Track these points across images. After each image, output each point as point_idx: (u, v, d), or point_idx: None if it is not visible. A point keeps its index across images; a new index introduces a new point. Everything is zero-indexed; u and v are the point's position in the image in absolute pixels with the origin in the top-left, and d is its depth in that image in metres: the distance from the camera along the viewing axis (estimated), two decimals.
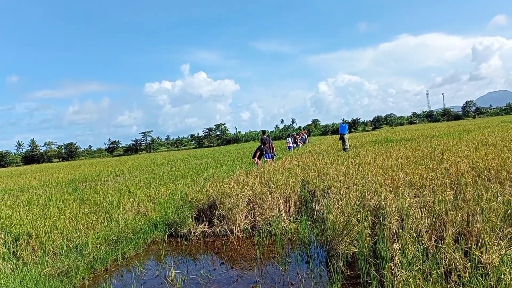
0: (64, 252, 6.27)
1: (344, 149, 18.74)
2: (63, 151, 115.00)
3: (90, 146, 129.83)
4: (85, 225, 7.60)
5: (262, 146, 14.75)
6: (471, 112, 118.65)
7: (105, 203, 9.52)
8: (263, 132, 16.31)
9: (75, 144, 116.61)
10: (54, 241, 6.69)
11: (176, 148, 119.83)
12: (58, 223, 7.67)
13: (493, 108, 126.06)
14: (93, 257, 6.13)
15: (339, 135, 20.15)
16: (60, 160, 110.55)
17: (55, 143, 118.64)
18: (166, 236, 7.50)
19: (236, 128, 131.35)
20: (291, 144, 24.82)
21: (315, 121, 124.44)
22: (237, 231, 7.28)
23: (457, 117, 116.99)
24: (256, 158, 14.43)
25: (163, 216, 8.04)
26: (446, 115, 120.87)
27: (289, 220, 7.68)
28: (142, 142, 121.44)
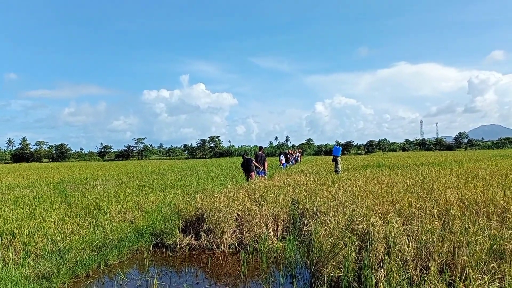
0: (47, 254, 6.17)
1: (336, 171, 18.86)
2: (54, 151, 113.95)
3: (81, 149, 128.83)
4: (70, 229, 7.51)
5: (246, 161, 14.79)
6: (463, 144, 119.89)
7: (92, 208, 9.43)
8: (260, 148, 16.40)
9: (66, 145, 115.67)
10: (37, 243, 6.60)
11: (168, 157, 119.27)
12: (43, 224, 7.57)
13: (485, 141, 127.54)
14: (76, 262, 6.04)
15: (332, 157, 20.35)
16: (50, 160, 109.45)
17: (47, 143, 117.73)
18: (151, 246, 7.42)
19: (230, 142, 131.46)
20: (284, 162, 24.85)
21: (309, 141, 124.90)
22: (224, 246, 7.23)
23: (449, 147, 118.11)
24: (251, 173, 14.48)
25: (150, 225, 7.97)
26: (439, 144, 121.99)
27: (277, 238, 7.65)
28: (134, 149, 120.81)
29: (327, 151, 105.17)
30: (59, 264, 5.83)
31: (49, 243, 6.61)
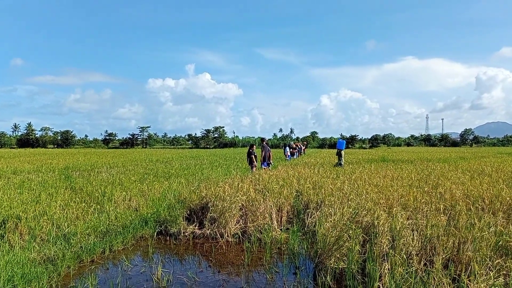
0: (52, 239, 6.22)
1: (339, 164, 18.85)
2: (59, 138, 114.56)
3: (86, 136, 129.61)
4: (75, 214, 7.55)
5: (251, 150, 15.00)
6: (468, 140, 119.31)
7: (97, 194, 9.47)
8: (262, 140, 16.39)
9: (71, 132, 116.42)
10: (43, 227, 6.64)
11: (172, 146, 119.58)
12: (48, 209, 7.61)
13: (491, 138, 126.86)
14: (81, 247, 6.08)
15: (336, 150, 20.39)
16: (55, 146, 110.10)
17: (52, 129, 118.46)
18: (155, 233, 7.45)
19: (234, 132, 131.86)
20: (289, 154, 24.82)
21: (313, 134, 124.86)
22: (227, 236, 7.24)
23: (454, 144, 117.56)
24: (253, 164, 14.52)
25: (154, 213, 8.00)
26: (444, 140, 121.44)
27: (280, 229, 7.66)
28: (139, 137, 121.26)
29: (331, 144, 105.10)
30: (64, 248, 5.87)
31: (54, 227, 6.65)
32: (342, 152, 19.45)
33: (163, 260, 6.17)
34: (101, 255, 6.21)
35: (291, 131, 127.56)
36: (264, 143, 16.00)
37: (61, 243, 6.05)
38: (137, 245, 6.93)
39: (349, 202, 7.16)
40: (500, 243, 4.81)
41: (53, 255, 5.64)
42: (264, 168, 14.54)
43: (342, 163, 18.93)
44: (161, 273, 5.34)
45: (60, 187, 10.72)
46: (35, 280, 4.74)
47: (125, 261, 5.91)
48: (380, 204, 7.05)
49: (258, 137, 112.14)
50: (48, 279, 4.97)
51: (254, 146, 15.62)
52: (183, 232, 7.47)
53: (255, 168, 14.44)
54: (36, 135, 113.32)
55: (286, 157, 24.72)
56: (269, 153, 16.67)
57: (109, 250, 6.36)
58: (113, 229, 7.06)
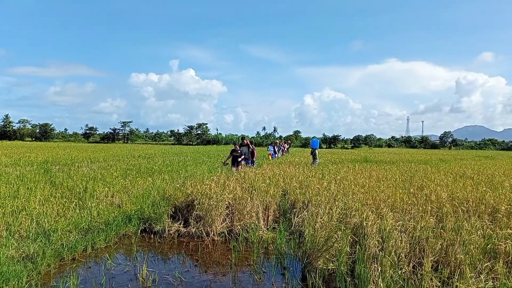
0: (32, 235, 5.97)
1: (313, 163, 18.75)
2: (38, 130, 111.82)
3: (65, 129, 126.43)
4: (56, 210, 7.30)
5: (238, 151, 14.43)
6: (447, 143, 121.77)
7: (78, 190, 9.20)
8: (243, 138, 15.91)
9: (50, 125, 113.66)
10: (21, 223, 6.39)
11: (155, 142, 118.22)
12: (27, 204, 7.35)
13: (469, 142, 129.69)
14: (61, 244, 5.86)
15: (310, 149, 20.41)
16: (33, 139, 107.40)
17: (30, 122, 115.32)
18: (139, 231, 7.26)
19: (217, 130, 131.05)
20: (273, 153, 24.72)
21: (296, 133, 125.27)
22: (213, 234, 7.12)
23: (433, 146, 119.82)
24: (234, 166, 14.13)
25: (138, 210, 7.81)
26: (424, 142, 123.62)
27: (267, 229, 7.58)
28: (120, 132, 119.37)
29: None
30: (44, 246, 5.64)
31: (34, 224, 6.40)
32: (316, 151, 19.44)
33: (148, 259, 6.00)
34: (83, 253, 6.00)
35: (275, 130, 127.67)
36: (246, 142, 15.51)
37: (41, 240, 5.82)
38: (120, 243, 6.73)
39: (337, 203, 7.13)
40: (489, 246, 4.84)
41: (33, 253, 5.42)
42: (248, 167, 14.37)
43: (316, 163, 18.85)
44: (146, 273, 5.18)
45: (39, 182, 10.38)
46: (13, 279, 4.53)
47: (108, 260, 5.72)
48: (368, 204, 7.04)
49: (242, 134, 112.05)
50: (27, 278, 4.76)
51: (238, 146, 14.92)
52: (168, 230, 7.31)
53: (235, 168, 13.90)
54: (14, 127, 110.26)
55: (270, 156, 24.61)
56: (254, 152, 16.57)
57: (91, 248, 6.15)
58: (95, 226, 6.84)
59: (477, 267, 4.48)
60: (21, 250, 5.44)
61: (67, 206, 7.60)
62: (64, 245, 5.85)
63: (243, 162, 14.76)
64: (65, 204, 7.72)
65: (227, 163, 14.59)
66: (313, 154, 19.43)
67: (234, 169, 13.62)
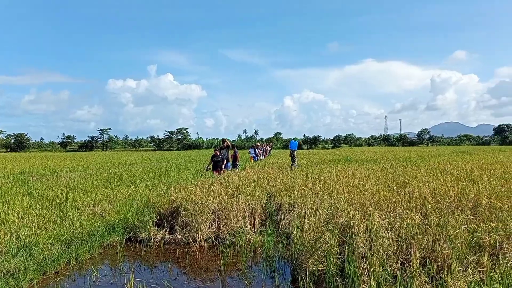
0: (12, 250, 5.76)
1: (293, 165, 18.46)
2: (12, 141, 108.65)
3: (42, 139, 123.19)
4: (36, 223, 7.07)
5: (219, 157, 14.07)
6: (425, 140, 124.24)
7: (58, 200, 8.95)
8: (223, 140, 15.45)
9: (26, 134, 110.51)
10: (0, 237, 6.16)
11: (134, 149, 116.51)
12: (5, 218, 7.10)
13: (445, 138, 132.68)
14: (44, 258, 5.67)
15: (289, 151, 20.10)
16: (8, 150, 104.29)
17: (4, 132, 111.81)
18: (124, 240, 7.11)
19: (198, 134, 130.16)
20: (255, 155, 24.63)
21: (277, 134, 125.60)
22: (200, 240, 7.03)
23: (412, 143, 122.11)
24: (216, 171, 13.78)
25: (122, 219, 7.65)
26: (402, 140, 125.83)
27: (254, 232, 7.54)
28: (98, 140, 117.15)
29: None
30: (26, 260, 5.45)
31: (14, 238, 6.18)
32: (295, 152, 19.21)
33: (134, 268, 5.87)
34: (66, 265, 5.83)
35: (255, 132, 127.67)
36: (226, 143, 15.02)
37: (22, 255, 5.62)
38: (105, 254, 6.58)
39: (323, 203, 7.15)
40: (474, 240, 4.93)
41: (14, 268, 5.22)
42: (228, 171, 14.19)
43: (295, 164, 18.61)
44: (134, 283, 5.06)
45: (17, 194, 10.06)
46: None
47: (93, 271, 5.57)
48: (353, 204, 7.08)
49: (223, 138, 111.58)
50: None
51: (218, 151, 14.48)
52: (154, 238, 7.18)
53: (217, 173, 13.37)
54: None
55: (252, 159, 24.55)
56: (237, 156, 16.51)
57: (75, 260, 5.97)
58: (78, 238, 6.66)
59: (463, 261, 4.55)
60: (1, 266, 5.23)
61: (48, 218, 7.38)
62: (47, 258, 5.66)
63: (225, 168, 14.40)
64: (45, 216, 7.49)
65: (209, 168, 14.37)
66: (292, 155, 19.26)
67: (216, 174, 13.35)
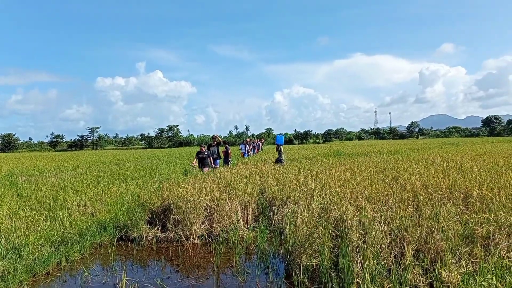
0: (1, 252, 5.64)
1: (279, 160, 18.26)
2: (0, 141, 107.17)
3: (30, 139, 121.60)
4: (25, 224, 6.94)
5: (205, 153, 13.95)
6: (414, 132, 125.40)
7: (48, 201, 8.80)
8: (213, 137, 15.30)
9: (14, 135, 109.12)
10: None
11: (125, 147, 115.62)
12: None
13: (434, 130, 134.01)
14: (34, 259, 5.57)
15: (276, 146, 19.89)
16: None
17: None
18: (115, 239, 7.02)
19: (188, 131, 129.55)
20: (245, 152, 24.48)
21: (268, 130, 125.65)
22: (193, 238, 6.98)
23: (402, 136, 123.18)
24: (204, 167, 13.61)
25: (113, 218, 7.55)
26: (392, 133, 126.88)
27: (247, 228, 7.50)
28: (88, 138, 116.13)
29: (286, 140, 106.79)
30: (15, 262, 5.34)
31: (3, 239, 6.06)
32: (281, 147, 19.03)
33: (126, 267, 5.81)
34: (57, 266, 5.74)
35: (247, 128, 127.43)
36: (216, 140, 14.94)
37: (11, 256, 5.51)
38: (96, 253, 6.49)
39: (315, 198, 7.13)
40: (467, 231, 4.94)
41: (3, 270, 5.12)
42: (224, 167, 14.18)
43: (283, 160, 18.42)
44: (126, 282, 5.00)
45: (5, 195, 9.88)
46: None
47: (84, 272, 5.48)
48: (346, 198, 7.08)
49: (213, 135, 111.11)
50: None
51: (203, 147, 14.44)
52: (145, 237, 7.11)
53: (204, 170, 13.27)
54: None
55: (242, 155, 24.42)
56: (228, 152, 16.45)
57: (65, 261, 5.88)
58: (68, 238, 6.55)
59: (456, 252, 4.56)
60: None
61: (37, 219, 7.25)
62: (37, 260, 5.56)
63: (215, 166, 14.30)
64: (34, 216, 7.36)
65: (194, 165, 14.05)
66: (278, 150, 19.07)
67: (205, 170, 13.31)
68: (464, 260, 4.32)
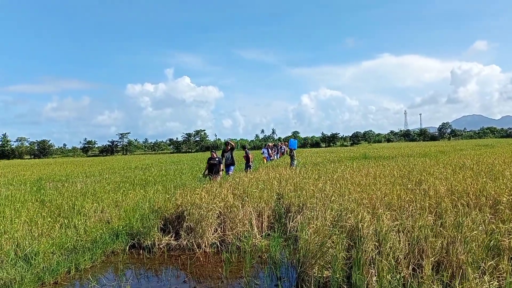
0: (11, 260, 5.66)
1: (292, 164, 17.96)
2: (36, 148, 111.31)
3: (64, 145, 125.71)
4: (40, 230, 6.99)
5: (215, 159, 13.11)
6: (446, 134, 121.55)
7: (66, 207, 8.89)
8: (227, 143, 14.71)
9: (48, 141, 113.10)
10: (2, 247, 6.08)
11: (154, 152, 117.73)
12: (11, 226, 7.04)
13: (468, 131, 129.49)
14: (43, 267, 5.55)
15: (288, 150, 19.67)
16: (32, 157, 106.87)
17: (28, 139, 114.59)
18: (127, 247, 6.95)
19: (216, 135, 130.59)
20: (267, 156, 24.13)
21: (295, 133, 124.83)
22: (205, 246, 6.81)
23: (433, 138, 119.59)
24: (215, 174, 12.68)
25: (127, 225, 7.50)
26: (423, 135, 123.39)
27: (261, 236, 7.28)
28: (118, 144, 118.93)
29: (313, 143, 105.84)
30: (23, 270, 5.33)
31: (15, 247, 6.09)
32: (294, 151, 18.76)
33: (136, 276, 5.71)
34: (66, 275, 5.69)
35: (273, 132, 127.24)
36: (230, 146, 14.31)
37: (21, 265, 5.51)
38: (108, 262, 6.43)
39: (332, 204, 6.83)
40: (492, 242, 4.54)
41: (11, 279, 5.11)
42: (246, 171, 13.96)
43: (295, 164, 18.10)
44: None
45: (28, 201, 10.08)
46: None
47: (91, 281, 5.41)
48: (364, 204, 6.73)
49: (241, 138, 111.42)
50: None
51: (215, 153, 13.43)
52: (158, 244, 7.00)
53: (219, 177, 12.41)
54: (12, 146, 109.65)
55: (265, 159, 24.07)
56: (249, 156, 16.31)
57: (75, 269, 5.83)
58: (81, 245, 6.52)
59: (480, 266, 4.18)
60: None
61: (52, 226, 7.29)
62: (46, 268, 5.54)
63: (230, 172, 13.79)
64: (50, 223, 7.41)
65: (207, 174, 13.22)
66: (291, 154, 18.87)
67: (218, 178, 12.51)
68: (487, 276, 3.94)
